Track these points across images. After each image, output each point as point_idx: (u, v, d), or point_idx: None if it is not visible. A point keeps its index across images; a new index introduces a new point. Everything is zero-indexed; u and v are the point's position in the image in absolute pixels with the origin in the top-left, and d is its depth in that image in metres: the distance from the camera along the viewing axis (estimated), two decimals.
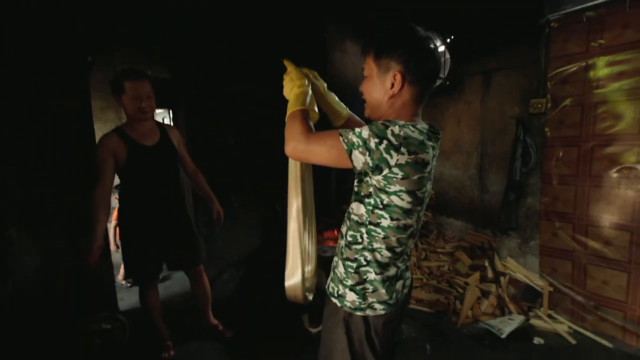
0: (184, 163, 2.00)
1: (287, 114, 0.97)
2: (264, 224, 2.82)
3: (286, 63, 1.07)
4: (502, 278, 2.57)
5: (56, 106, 1.95)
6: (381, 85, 0.92)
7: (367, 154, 0.82)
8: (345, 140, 0.84)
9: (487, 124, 2.82)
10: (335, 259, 1.06)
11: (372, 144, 0.81)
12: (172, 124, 3.02)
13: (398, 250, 0.96)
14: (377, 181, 0.87)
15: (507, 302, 2.43)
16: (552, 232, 2.38)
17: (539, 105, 2.41)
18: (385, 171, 0.83)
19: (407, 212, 0.90)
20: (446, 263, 2.82)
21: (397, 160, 0.81)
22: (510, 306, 2.41)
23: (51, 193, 1.94)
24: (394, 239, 0.93)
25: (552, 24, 2.27)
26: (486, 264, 2.70)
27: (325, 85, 1.13)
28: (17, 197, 1.83)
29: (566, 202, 2.30)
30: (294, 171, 1.08)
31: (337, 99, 1.15)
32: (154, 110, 1.79)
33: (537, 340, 2.15)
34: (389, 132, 0.81)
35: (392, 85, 0.90)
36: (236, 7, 2.55)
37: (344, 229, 1.04)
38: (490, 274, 2.62)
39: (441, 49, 3.16)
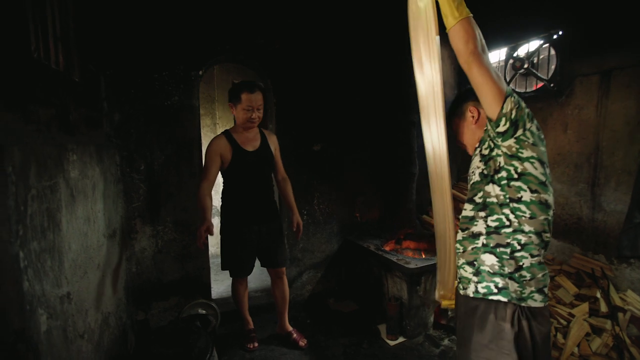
0: (276, 169, 2.10)
1: (458, 15, 0.88)
2: (343, 230, 2.85)
3: None
4: (620, 314, 2.16)
5: (177, 115, 2.25)
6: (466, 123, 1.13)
7: (516, 107, 0.90)
8: (507, 88, 0.92)
9: (605, 132, 2.41)
10: (462, 260, 1.04)
11: (523, 104, 0.92)
12: None
13: (546, 238, 0.94)
14: (508, 147, 0.92)
15: (627, 344, 2.03)
16: None
17: None
18: (519, 132, 0.90)
19: (543, 185, 0.91)
20: None
21: (530, 126, 0.92)
22: (632, 350, 2.01)
23: (166, 193, 2.25)
24: (541, 218, 0.91)
25: None
26: (598, 294, 2.30)
27: None
28: (142, 194, 2.16)
29: None
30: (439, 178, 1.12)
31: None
32: (260, 120, 1.94)
33: None
34: (523, 104, 0.94)
35: (473, 117, 1.09)
36: (324, 24, 2.64)
37: (477, 225, 1.00)
38: (603, 308, 2.23)
39: (545, 46, 2.81)
